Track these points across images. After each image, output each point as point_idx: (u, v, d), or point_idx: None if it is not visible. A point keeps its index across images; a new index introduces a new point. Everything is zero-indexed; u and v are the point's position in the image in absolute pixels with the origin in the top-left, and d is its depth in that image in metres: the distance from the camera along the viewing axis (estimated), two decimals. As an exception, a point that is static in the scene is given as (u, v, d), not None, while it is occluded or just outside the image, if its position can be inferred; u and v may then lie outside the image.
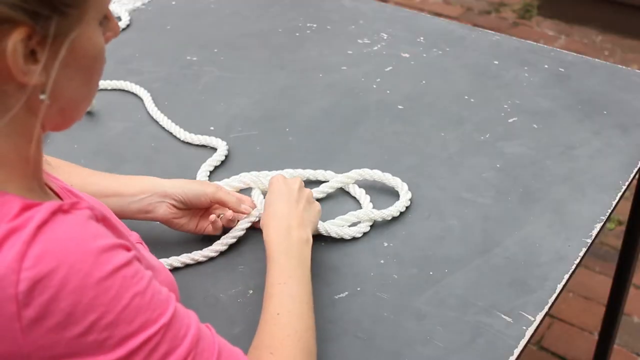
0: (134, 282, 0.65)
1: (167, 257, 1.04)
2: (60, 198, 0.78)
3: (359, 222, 1.09)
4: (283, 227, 0.95)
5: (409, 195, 1.13)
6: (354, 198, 1.16)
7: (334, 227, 1.07)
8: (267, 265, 0.92)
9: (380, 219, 1.10)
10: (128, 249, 0.67)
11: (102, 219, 0.70)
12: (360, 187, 1.16)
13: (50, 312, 0.61)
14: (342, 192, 1.17)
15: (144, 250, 0.86)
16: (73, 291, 0.61)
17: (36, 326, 0.61)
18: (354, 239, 1.08)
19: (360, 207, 1.13)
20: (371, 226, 1.10)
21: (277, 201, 0.99)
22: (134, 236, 0.89)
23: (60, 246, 0.62)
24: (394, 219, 1.11)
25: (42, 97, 0.64)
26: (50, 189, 0.79)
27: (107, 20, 0.70)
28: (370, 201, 1.13)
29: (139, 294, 0.65)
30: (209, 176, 1.22)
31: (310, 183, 1.18)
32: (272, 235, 0.95)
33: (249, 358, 0.81)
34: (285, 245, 0.94)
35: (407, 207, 1.13)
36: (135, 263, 0.67)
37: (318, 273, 1.03)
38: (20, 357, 0.62)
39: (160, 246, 1.07)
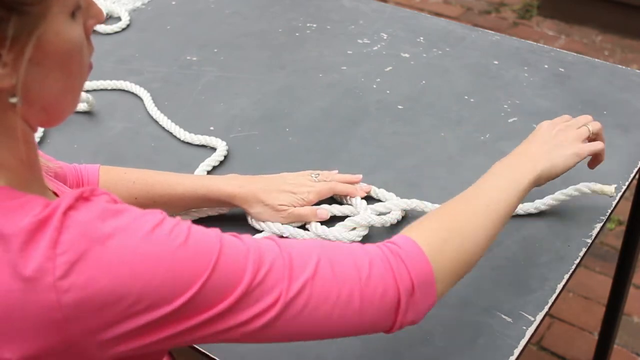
0: (172, 238, 0.65)
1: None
2: None
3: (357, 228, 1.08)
4: (520, 148, 0.98)
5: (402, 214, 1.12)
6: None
7: (333, 231, 1.06)
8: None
9: (378, 225, 1.08)
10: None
11: (118, 202, 0.69)
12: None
13: (92, 294, 0.60)
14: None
15: None
16: (110, 268, 0.61)
17: (80, 310, 0.60)
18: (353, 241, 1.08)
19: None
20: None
21: (534, 135, 1.01)
22: None
23: (89, 227, 0.62)
24: (394, 218, 1.11)
25: (11, 100, 0.63)
26: (56, 194, 0.79)
27: (84, 9, 0.67)
28: (368, 204, 1.12)
29: (181, 247, 0.64)
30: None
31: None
32: (512, 153, 0.97)
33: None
34: (507, 160, 0.96)
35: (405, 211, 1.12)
36: (168, 220, 0.66)
37: (318, 273, 1.03)
38: (69, 347, 0.61)
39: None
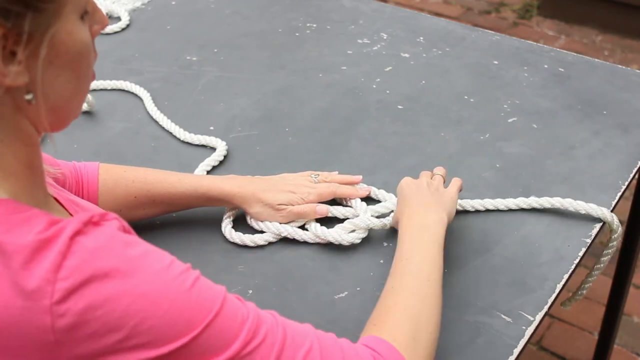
0: (177, 283, 0.65)
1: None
2: (66, 209, 0.78)
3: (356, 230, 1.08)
4: (408, 213, 0.97)
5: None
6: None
7: (332, 233, 1.06)
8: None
9: (378, 228, 1.08)
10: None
11: (127, 230, 0.69)
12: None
13: (86, 322, 0.60)
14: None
15: None
16: (109, 299, 0.61)
17: (72, 336, 0.60)
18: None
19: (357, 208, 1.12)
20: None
21: (407, 197, 1.01)
22: None
23: (95, 256, 0.61)
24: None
25: (27, 97, 0.63)
26: (57, 200, 0.78)
27: (90, 14, 0.68)
28: (368, 204, 1.12)
29: (183, 294, 0.64)
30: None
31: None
32: (401, 224, 0.97)
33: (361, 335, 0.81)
34: (409, 227, 0.95)
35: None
36: (177, 263, 0.66)
37: (318, 273, 1.03)
38: None
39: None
